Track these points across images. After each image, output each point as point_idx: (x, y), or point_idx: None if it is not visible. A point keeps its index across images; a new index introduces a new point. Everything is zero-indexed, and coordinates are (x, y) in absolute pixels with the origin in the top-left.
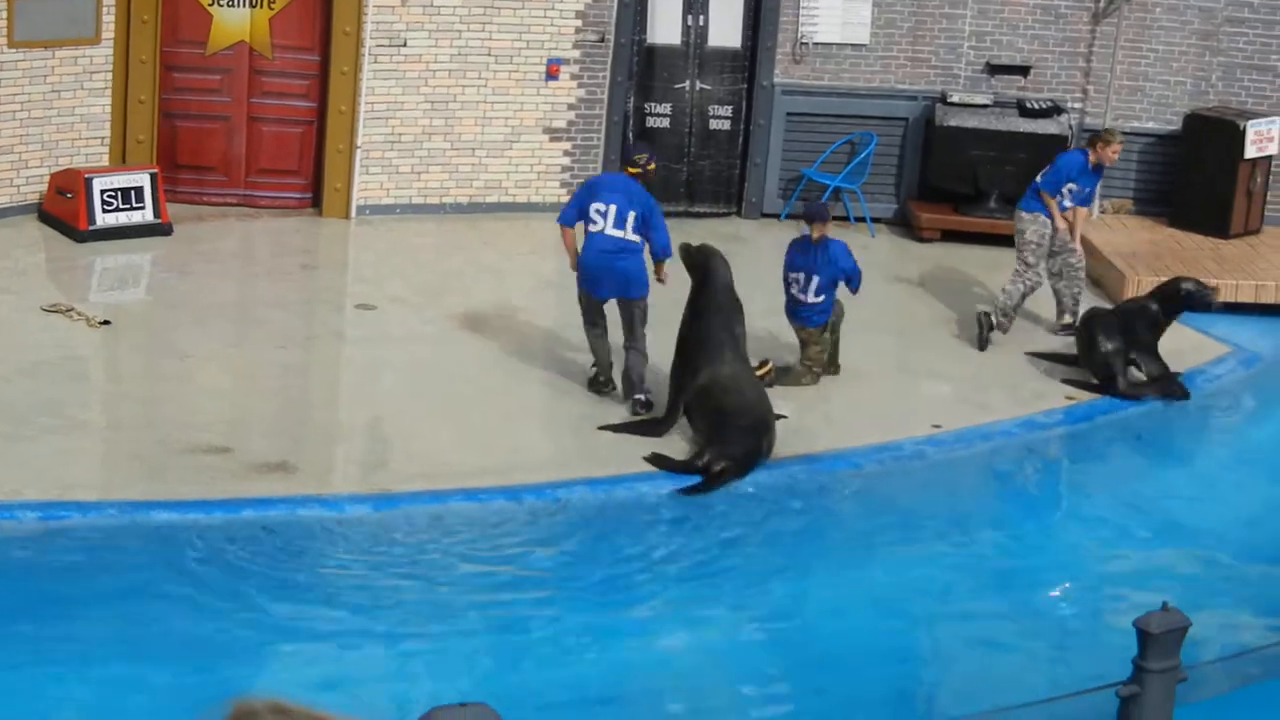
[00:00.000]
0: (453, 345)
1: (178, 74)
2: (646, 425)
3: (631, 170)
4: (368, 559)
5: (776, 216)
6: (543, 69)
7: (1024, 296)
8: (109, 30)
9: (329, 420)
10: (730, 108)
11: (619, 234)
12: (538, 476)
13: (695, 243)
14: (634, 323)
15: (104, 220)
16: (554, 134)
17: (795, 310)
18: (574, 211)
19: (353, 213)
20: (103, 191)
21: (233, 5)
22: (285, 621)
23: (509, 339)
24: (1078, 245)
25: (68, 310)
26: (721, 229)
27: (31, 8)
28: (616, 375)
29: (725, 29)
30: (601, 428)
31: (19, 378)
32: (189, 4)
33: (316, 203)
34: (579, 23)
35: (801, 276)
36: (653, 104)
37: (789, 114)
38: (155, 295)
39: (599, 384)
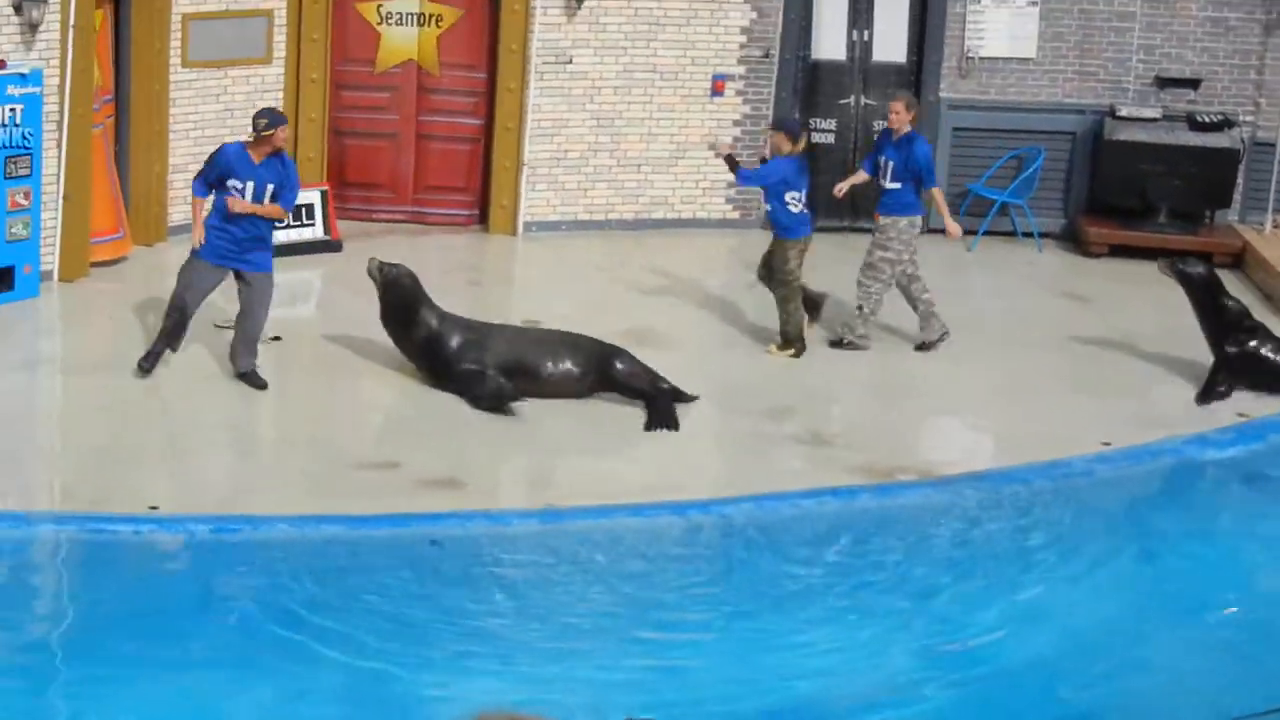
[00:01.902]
0: None
1: (347, 92)
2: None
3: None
4: (534, 574)
5: (943, 232)
6: (708, 85)
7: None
8: (280, 50)
9: (496, 435)
10: None
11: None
12: (704, 493)
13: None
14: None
15: (275, 237)
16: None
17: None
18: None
19: (519, 229)
20: None
21: (401, 24)
22: (453, 635)
23: (675, 355)
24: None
25: None
26: None
27: (206, 29)
28: None
29: (890, 44)
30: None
31: (192, 393)
32: (358, 23)
33: (483, 219)
34: (744, 39)
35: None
36: (817, 119)
37: (955, 129)
38: (325, 311)
39: None
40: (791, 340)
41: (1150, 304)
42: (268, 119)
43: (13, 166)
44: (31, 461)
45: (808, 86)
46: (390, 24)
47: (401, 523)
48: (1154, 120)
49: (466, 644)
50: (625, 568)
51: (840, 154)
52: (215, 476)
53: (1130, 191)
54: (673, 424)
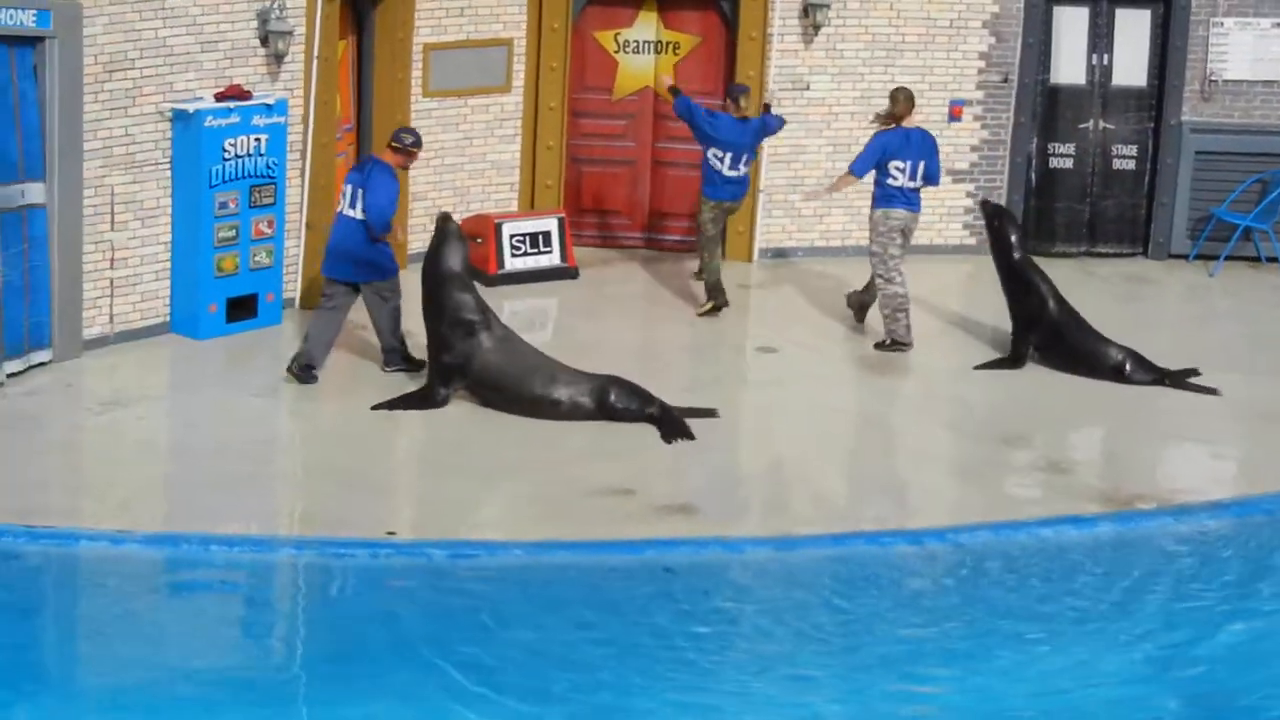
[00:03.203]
0: (854, 387)
1: (584, 120)
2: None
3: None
4: (769, 603)
5: (1184, 257)
6: (946, 110)
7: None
8: (519, 79)
9: (731, 463)
10: (1135, 147)
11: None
12: (940, 521)
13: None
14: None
15: (513, 264)
16: (957, 175)
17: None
18: None
19: (755, 255)
20: (512, 236)
21: (638, 52)
22: (686, 664)
23: (911, 381)
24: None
25: None
26: (1127, 269)
27: (446, 59)
28: None
29: (1130, 68)
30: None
31: (429, 422)
32: (596, 51)
33: None
34: (982, 64)
35: None
36: (1056, 144)
37: (1198, 152)
38: (562, 338)
39: None
40: (711, 292)
41: None
42: (414, 137)
43: (257, 195)
44: (273, 486)
45: (1046, 111)
46: (627, 52)
47: (635, 549)
48: None
49: (699, 674)
50: (861, 597)
51: (1079, 178)
52: (450, 502)
53: None
54: (685, 435)
